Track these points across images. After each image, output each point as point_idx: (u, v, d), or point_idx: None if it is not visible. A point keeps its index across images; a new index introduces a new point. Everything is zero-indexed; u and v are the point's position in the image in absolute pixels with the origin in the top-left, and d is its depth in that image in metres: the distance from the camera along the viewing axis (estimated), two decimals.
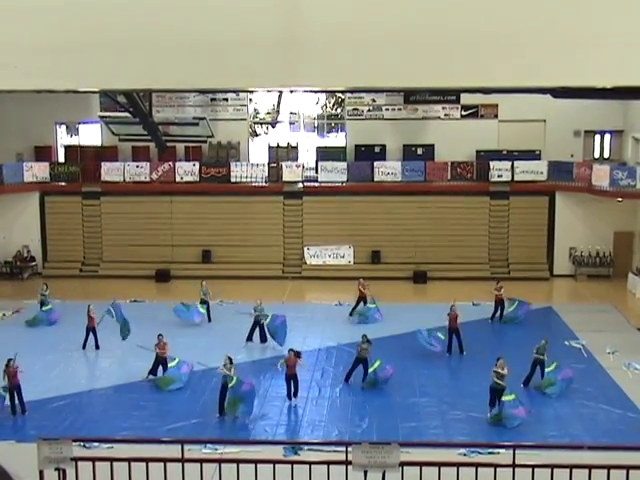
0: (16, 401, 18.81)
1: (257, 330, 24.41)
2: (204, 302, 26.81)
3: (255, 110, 37.91)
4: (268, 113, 37.96)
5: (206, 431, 17.64)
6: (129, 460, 8.76)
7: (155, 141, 24.93)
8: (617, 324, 26.66)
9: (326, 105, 37.91)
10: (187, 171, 35.39)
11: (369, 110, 36.37)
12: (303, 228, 35.37)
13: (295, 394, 19.91)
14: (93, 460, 8.86)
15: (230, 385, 18.63)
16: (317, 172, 35.56)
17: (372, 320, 26.41)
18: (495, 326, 26.52)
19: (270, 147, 37.10)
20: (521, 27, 3.91)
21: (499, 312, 26.75)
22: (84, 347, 23.89)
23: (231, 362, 19.09)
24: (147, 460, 8.77)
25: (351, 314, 27.23)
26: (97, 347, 23.90)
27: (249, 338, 24.34)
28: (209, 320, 26.80)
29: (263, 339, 24.40)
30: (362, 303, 27.40)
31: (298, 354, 20.18)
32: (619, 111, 34.53)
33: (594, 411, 19.00)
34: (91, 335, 23.93)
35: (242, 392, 18.58)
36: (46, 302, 27.04)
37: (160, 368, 21.19)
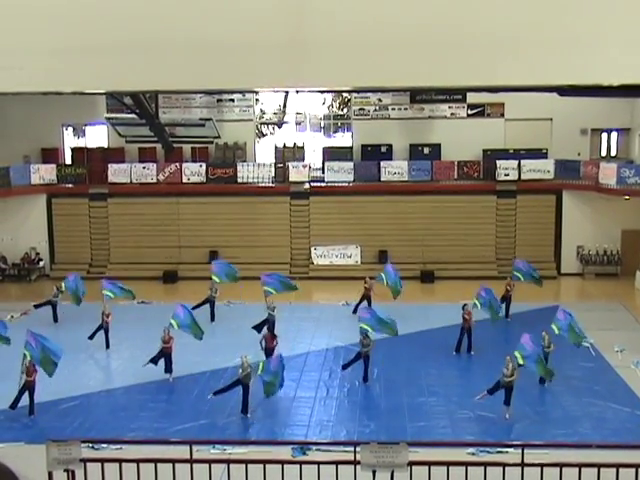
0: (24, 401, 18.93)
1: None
2: (209, 300, 26.94)
3: (261, 111, 37.93)
4: (274, 113, 37.97)
5: (214, 432, 17.64)
6: (138, 461, 8.77)
7: (162, 142, 24.99)
8: (625, 322, 26.60)
9: (332, 105, 37.91)
10: (194, 172, 35.43)
11: (375, 110, 36.37)
12: (310, 228, 35.38)
13: None
14: (102, 461, 8.87)
15: (258, 373, 18.97)
16: (324, 172, 35.60)
17: None
18: (503, 324, 26.43)
19: (276, 147, 37.12)
20: (527, 25, 3.91)
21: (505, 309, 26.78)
22: (91, 338, 24.09)
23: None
24: (156, 461, 8.77)
25: (355, 312, 27.16)
26: (107, 346, 23.99)
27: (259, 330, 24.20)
28: (212, 319, 26.88)
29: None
30: (366, 302, 27.34)
31: (274, 335, 21.84)
32: (626, 109, 34.44)
33: (603, 410, 18.96)
34: (103, 334, 24.16)
35: (273, 370, 19.19)
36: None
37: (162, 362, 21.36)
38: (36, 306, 27.53)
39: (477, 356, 23.05)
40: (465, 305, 23.74)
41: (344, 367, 21.30)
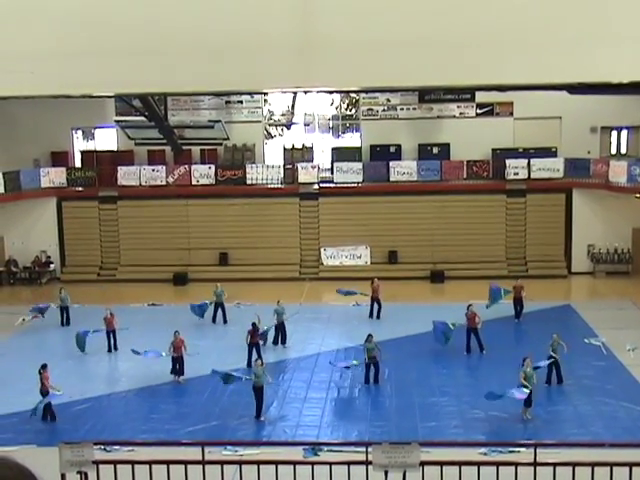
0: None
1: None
2: (218, 304, 27.00)
3: (270, 112, 37.94)
4: (283, 115, 37.99)
5: (226, 433, 17.67)
6: (150, 463, 8.80)
7: (171, 144, 24.97)
8: (637, 321, 26.49)
9: (341, 106, 37.89)
10: (203, 174, 35.47)
11: (384, 110, 36.33)
12: (319, 229, 35.37)
13: (259, 356, 21.62)
14: (114, 463, 8.90)
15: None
16: (332, 173, 35.55)
17: None
18: (513, 324, 26.40)
19: (285, 149, 37.11)
20: (536, 23, 3.90)
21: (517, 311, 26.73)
22: (110, 350, 24.17)
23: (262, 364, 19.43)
24: (168, 462, 8.80)
25: (371, 316, 27.18)
26: (115, 349, 24.10)
27: (275, 341, 24.40)
28: (224, 322, 26.96)
29: (283, 341, 24.41)
30: (376, 304, 27.35)
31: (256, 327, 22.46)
32: (636, 106, 34.26)
33: (615, 409, 18.89)
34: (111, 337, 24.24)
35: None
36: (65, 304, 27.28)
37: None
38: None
39: (488, 356, 23.00)
40: (470, 305, 23.68)
41: (366, 382, 21.08)
